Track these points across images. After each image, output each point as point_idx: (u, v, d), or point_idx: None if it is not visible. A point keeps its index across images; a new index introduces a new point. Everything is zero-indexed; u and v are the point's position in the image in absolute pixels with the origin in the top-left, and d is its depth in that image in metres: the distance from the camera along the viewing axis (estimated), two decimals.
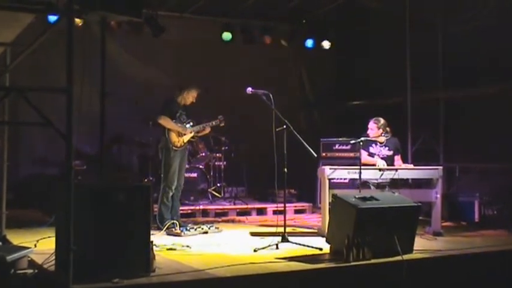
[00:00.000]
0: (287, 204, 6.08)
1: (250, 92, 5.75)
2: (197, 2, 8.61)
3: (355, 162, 6.41)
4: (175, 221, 6.31)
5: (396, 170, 6.39)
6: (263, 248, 5.17)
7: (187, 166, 7.17)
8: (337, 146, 8.33)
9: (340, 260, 4.62)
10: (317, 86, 10.53)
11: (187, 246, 5.32)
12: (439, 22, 8.32)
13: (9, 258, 4.05)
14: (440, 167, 6.46)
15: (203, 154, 8.56)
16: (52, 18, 6.18)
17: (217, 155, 8.98)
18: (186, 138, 6.66)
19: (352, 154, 8.09)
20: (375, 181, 6.57)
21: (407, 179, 6.93)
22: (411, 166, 6.81)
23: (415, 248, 5.05)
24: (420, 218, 5.44)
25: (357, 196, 5.06)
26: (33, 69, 7.50)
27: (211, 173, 8.85)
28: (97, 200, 3.95)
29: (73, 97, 3.56)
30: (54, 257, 4.03)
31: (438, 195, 6.32)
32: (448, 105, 8.44)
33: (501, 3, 7.34)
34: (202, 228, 6.29)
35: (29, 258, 4.38)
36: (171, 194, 6.56)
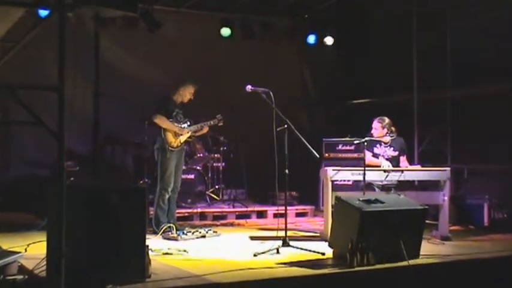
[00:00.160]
0: (288, 207, 6.09)
1: (250, 90, 5.74)
2: None
3: (359, 163, 6.40)
4: (171, 225, 6.31)
5: (402, 171, 6.40)
6: (263, 253, 5.17)
7: (184, 167, 7.17)
8: (340, 146, 8.29)
9: (344, 265, 4.62)
10: (319, 84, 10.52)
11: (184, 250, 5.32)
12: (447, 17, 8.32)
13: None
14: (448, 169, 6.46)
15: (201, 155, 8.56)
16: (43, 12, 6.17)
17: (216, 155, 8.97)
18: (183, 138, 6.66)
19: (356, 155, 8.05)
20: (380, 183, 6.57)
21: (414, 181, 6.92)
22: (418, 167, 6.81)
23: (421, 252, 5.05)
24: (427, 221, 5.45)
25: (361, 198, 5.05)
26: (24, 66, 7.50)
27: (209, 175, 8.84)
28: (90, 203, 3.95)
29: (65, 95, 3.55)
30: (45, 262, 4.03)
31: (446, 198, 6.32)
32: (456, 104, 8.43)
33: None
34: (200, 232, 6.29)
35: (19, 264, 4.37)
36: (167, 196, 6.56)
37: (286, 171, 5.46)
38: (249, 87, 5.75)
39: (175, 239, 6.00)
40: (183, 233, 6.15)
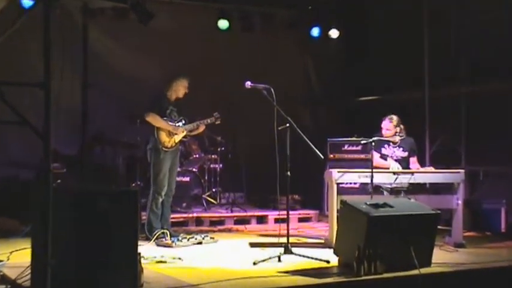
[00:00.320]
0: (290, 212, 6.08)
1: (250, 86, 5.75)
2: None
3: (367, 164, 6.41)
4: (165, 231, 6.32)
5: (412, 173, 6.40)
6: (264, 261, 5.18)
7: (179, 169, 7.18)
8: (346, 147, 8.29)
9: (350, 274, 4.63)
10: (324, 80, 10.52)
11: (179, 258, 5.33)
12: (459, 11, 8.32)
13: None
14: (462, 170, 6.47)
15: (197, 156, 8.56)
16: (27, 3, 6.19)
17: (213, 156, 8.98)
18: (178, 138, 6.67)
19: (363, 156, 8.06)
20: (389, 186, 6.58)
21: (425, 184, 6.92)
22: (429, 169, 6.81)
23: (433, 260, 5.05)
24: (439, 227, 5.44)
25: (368, 202, 5.06)
26: (9, 57, 7.49)
27: (206, 177, 8.85)
28: (78, 207, 3.95)
29: (51, 92, 3.55)
30: (29, 271, 4.03)
31: (459, 202, 6.32)
32: (470, 101, 8.43)
33: None
34: (196, 239, 6.30)
35: (1, 273, 4.37)
36: (160, 200, 6.56)
37: (288, 173, 5.46)
38: (248, 84, 5.75)
39: (170, 246, 6.00)
40: (178, 239, 6.15)
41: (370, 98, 9.71)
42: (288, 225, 5.56)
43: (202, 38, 9.16)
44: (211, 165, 8.99)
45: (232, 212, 8.36)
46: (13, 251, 5.30)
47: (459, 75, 8.39)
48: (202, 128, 6.90)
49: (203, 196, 8.59)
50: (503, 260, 5.46)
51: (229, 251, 5.97)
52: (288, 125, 5.56)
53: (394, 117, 6.82)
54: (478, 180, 8.00)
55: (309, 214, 8.63)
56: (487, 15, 7.71)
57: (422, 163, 7.37)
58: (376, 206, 4.99)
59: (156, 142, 6.53)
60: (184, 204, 8.19)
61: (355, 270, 4.61)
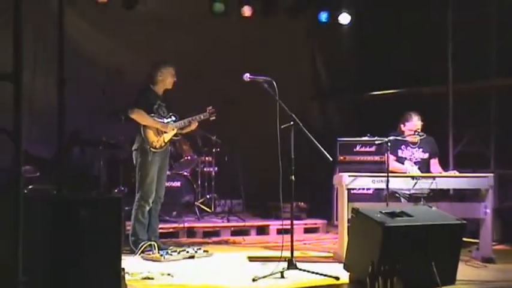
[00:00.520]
0: (295, 222, 6.09)
1: (249, 79, 5.75)
2: None
3: (381, 167, 6.41)
4: (153, 243, 6.31)
5: (434, 177, 6.39)
6: (264, 277, 5.18)
7: (168, 173, 7.18)
8: (358, 148, 8.34)
9: None
10: (333, 72, 10.53)
11: (169, 274, 5.33)
12: None
13: None
14: (491, 175, 6.46)
15: (188, 157, 8.56)
16: None
17: (207, 158, 8.99)
18: (168, 136, 6.66)
19: (377, 158, 8.11)
20: (407, 192, 6.58)
21: (448, 190, 6.93)
22: (453, 173, 6.81)
23: (458, 278, 5.04)
24: (465, 239, 5.44)
25: (383, 211, 5.06)
26: None
27: (199, 182, 8.85)
28: (53, 216, 3.94)
29: (23, 86, 3.54)
30: None
31: (488, 211, 6.32)
32: (501, 97, 8.43)
33: None
34: (188, 252, 6.30)
35: None
36: (147, 208, 6.56)
37: (293, 177, 5.46)
38: (247, 76, 5.75)
39: (158, 260, 6.00)
40: (167, 252, 6.16)
41: (386, 92, 9.71)
42: (292, 237, 5.55)
43: (195, 23, 9.16)
44: (205, 169, 9.00)
45: (228, 221, 8.36)
46: None
47: (488, 66, 8.39)
48: (195, 125, 6.90)
49: (196, 203, 8.59)
50: None
51: (225, 266, 5.97)
52: (292, 122, 5.56)
53: (417, 113, 6.82)
54: (509, 186, 8.00)
55: (316, 224, 8.63)
56: None
57: (445, 166, 7.37)
58: (393, 214, 4.99)
59: (142, 142, 6.53)
60: (174, 213, 8.19)
61: None
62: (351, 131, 8.74)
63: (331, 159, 5.73)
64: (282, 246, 5.66)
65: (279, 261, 5.46)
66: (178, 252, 6.23)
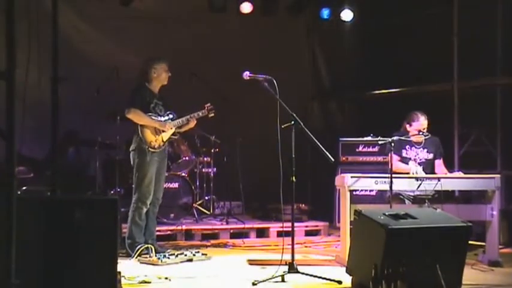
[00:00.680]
0: (296, 224, 6.09)
1: (248, 77, 5.76)
2: None
3: (385, 168, 6.41)
4: (150, 246, 6.31)
5: (439, 179, 6.39)
6: (264, 281, 5.18)
7: (166, 174, 7.16)
8: (361, 148, 8.35)
9: None
10: (335, 70, 10.52)
11: (166, 278, 5.32)
12: None
13: None
14: (498, 175, 6.45)
15: (186, 158, 8.55)
16: None
17: (205, 159, 8.98)
18: (166, 135, 6.65)
19: (380, 158, 8.11)
20: (411, 193, 6.58)
21: (454, 191, 6.93)
22: (458, 174, 6.80)
23: (464, 281, 5.03)
24: (471, 242, 5.43)
25: (387, 213, 5.05)
26: None
27: (198, 183, 8.84)
28: (48, 218, 3.94)
29: (15, 84, 3.53)
30: None
31: (495, 213, 6.32)
32: (507, 95, 8.42)
33: None
34: (186, 255, 6.29)
35: None
36: (145, 210, 6.56)
37: (293, 178, 5.45)
38: (246, 74, 5.75)
39: (155, 264, 5.99)
40: (165, 255, 6.15)
41: (389, 90, 9.70)
42: (292, 240, 5.55)
43: (193, 20, 9.15)
44: (204, 169, 8.99)
45: (227, 223, 8.36)
46: None
47: (494, 63, 8.38)
48: (193, 123, 6.88)
49: (194, 205, 8.58)
50: None
51: (224, 270, 5.96)
52: (292, 122, 5.55)
53: (423, 113, 6.82)
54: None
55: (317, 226, 8.62)
56: None
57: (450, 167, 7.37)
58: (396, 217, 4.98)
59: (140, 142, 6.51)
60: (172, 215, 8.18)
61: None
62: (353, 130, 8.75)
63: (333, 159, 5.72)
64: (283, 249, 5.65)
65: (279, 264, 5.46)
66: (176, 256, 6.22)
